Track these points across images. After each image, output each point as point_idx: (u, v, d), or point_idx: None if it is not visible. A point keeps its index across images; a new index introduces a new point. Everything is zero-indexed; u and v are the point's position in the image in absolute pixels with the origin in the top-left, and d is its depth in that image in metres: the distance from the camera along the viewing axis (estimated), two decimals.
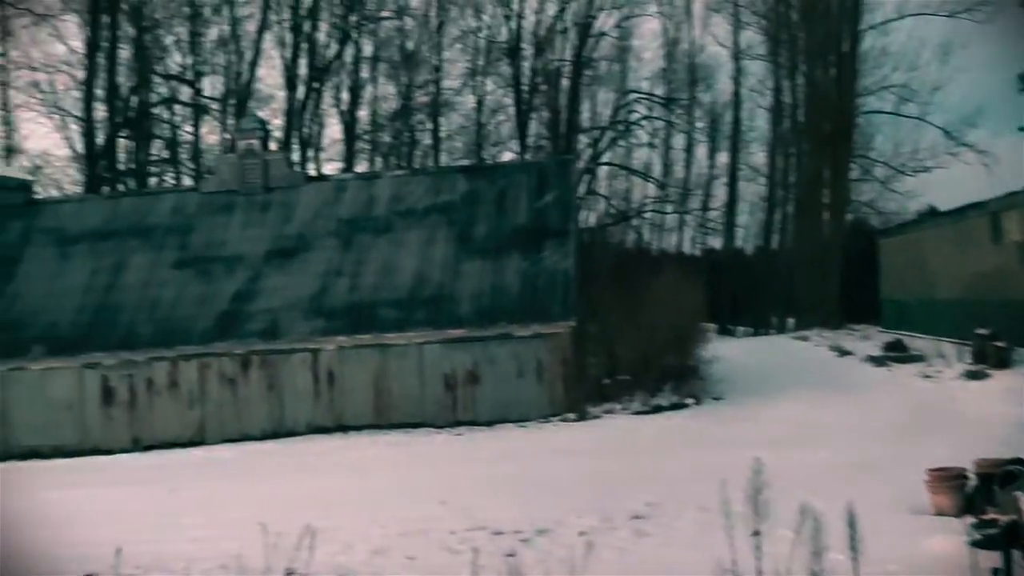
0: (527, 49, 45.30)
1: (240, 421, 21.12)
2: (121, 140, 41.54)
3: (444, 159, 44.52)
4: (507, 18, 45.34)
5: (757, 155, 49.69)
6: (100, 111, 40.29)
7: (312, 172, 36.81)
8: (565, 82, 45.48)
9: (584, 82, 45.91)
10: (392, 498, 13.27)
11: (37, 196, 29.62)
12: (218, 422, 21.15)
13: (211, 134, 43.34)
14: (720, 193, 49.40)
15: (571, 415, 20.31)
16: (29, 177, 31.57)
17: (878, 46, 42.28)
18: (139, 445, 20.99)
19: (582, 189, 41.35)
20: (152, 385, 21.39)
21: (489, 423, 20.31)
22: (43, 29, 40.66)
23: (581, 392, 20.75)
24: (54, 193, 38.60)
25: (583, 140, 46.21)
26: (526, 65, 45.34)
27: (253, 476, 16.56)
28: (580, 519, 10.83)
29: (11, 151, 41.27)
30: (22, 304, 22.79)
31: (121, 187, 39.96)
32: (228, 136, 37.24)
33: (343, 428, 20.77)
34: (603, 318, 23.77)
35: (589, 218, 43.60)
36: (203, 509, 13.78)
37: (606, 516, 10.92)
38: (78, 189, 39.58)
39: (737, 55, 48.15)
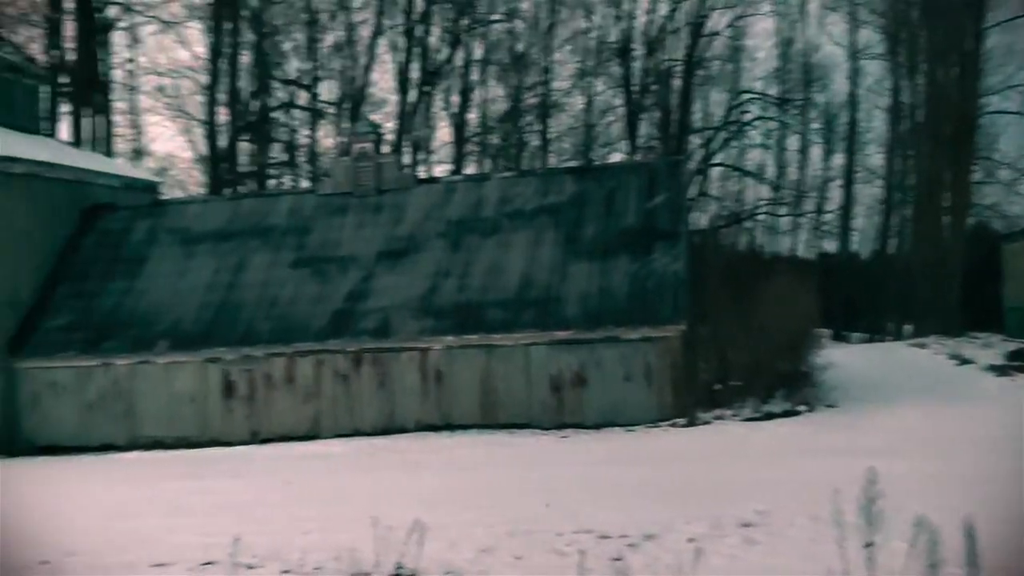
0: (638, 49, 45.10)
1: (352, 417, 21.64)
2: (242, 143, 43.01)
3: (553, 160, 44.67)
4: (618, 18, 45.23)
5: (874, 157, 48.42)
6: (222, 115, 41.83)
7: (423, 174, 37.39)
8: (676, 82, 45.11)
9: (696, 82, 45.46)
10: (498, 498, 13.39)
11: (163, 197, 30.90)
12: (332, 417, 21.71)
13: (327, 138, 44.50)
14: (835, 195, 48.33)
15: (680, 420, 20.13)
16: (156, 179, 32.97)
17: (1003, 44, 40.70)
18: (257, 438, 21.71)
19: (693, 190, 40.96)
20: (270, 380, 22.08)
21: (596, 426, 20.30)
22: (169, 36, 42.52)
23: (690, 397, 20.55)
24: (179, 194, 40.26)
25: (694, 141, 45.76)
26: (637, 65, 45.14)
27: (364, 471, 16.94)
28: (688, 525, 10.74)
29: (139, 153, 43.24)
30: (149, 300, 23.80)
31: (242, 189, 41.37)
32: (343, 139, 38.13)
33: (450, 427, 21.06)
34: (714, 322, 23.49)
35: (700, 220, 43.11)
36: (316, 502, 14.18)
37: (715, 523, 10.80)
38: (201, 190, 41.20)
39: (854, 54, 46.98)
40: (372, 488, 14.77)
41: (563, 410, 20.91)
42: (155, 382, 22.47)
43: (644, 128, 45.37)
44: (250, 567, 10.07)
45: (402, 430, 21.16)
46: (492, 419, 20.99)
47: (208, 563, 10.49)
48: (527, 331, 21.29)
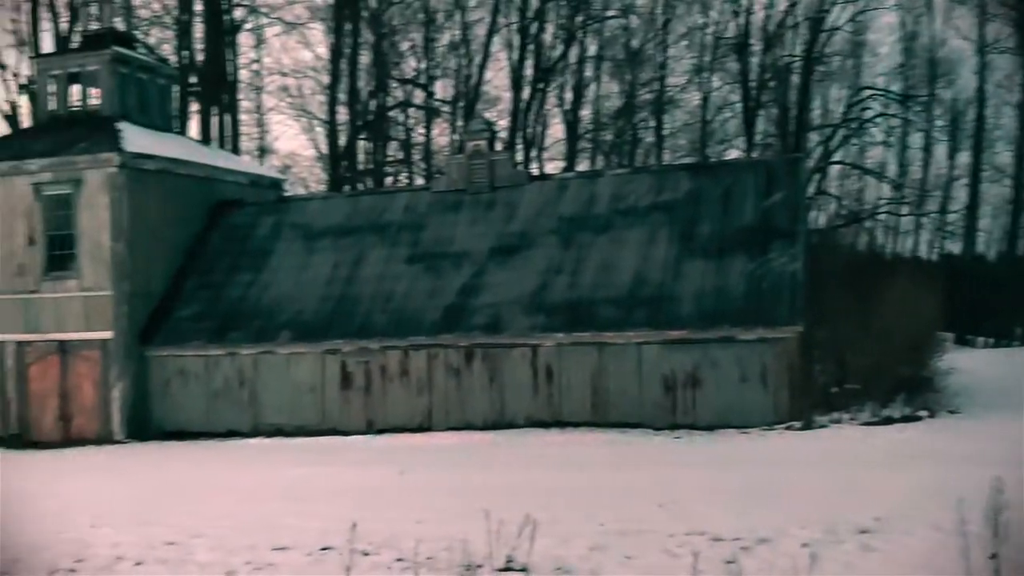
0: (755, 45, 44.33)
1: (464, 410, 21.95)
2: (360, 142, 43.99)
3: (667, 157, 44.31)
4: (735, 14, 44.54)
5: (1002, 155, 46.45)
6: (342, 114, 42.85)
7: (535, 171, 37.56)
8: (795, 78, 44.17)
9: (815, 78, 44.43)
10: (609, 496, 13.41)
11: (286, 194, 31.87)
12: (444, 410, 22.07)
13: (441, 135, 45.12)
14: (960, 195, 46.55)
15: (796, 423, 19.75)
16: (280, 176, 34.04)
17: None
18: (372, 428, 22.24)
19: (811, 189, 40.04)
20: (385, 372, 22.58)
21: (709, 427, 20.08)
22: (292, 37, 43.81)
23: (807, 400, 20.14)
24: (301, 191, 41.49)
25: (813, 138, 44.73)
26: (754, 61, 44.38)
27: (476, 464, 17.16)
28: (803, 530, 10.57)
29: (264, 151, 44.68)
30: (272, 293, 24.61)
31: (360, 186, 42.33)
32: (457, 137, 38.61)
33: (560, 424, 21.14)
34: (832, 324, 22.93)
35: (818, 219, 42.13)
36: (430, 493, 14.45)
37: (831, 528, 10.60)
38: (322, 187, 42.32)
39: (982, 48, 45.15)
40: (483, 482, 14.95)
41: (676, 410, 20.77)
42: (277, 371, 23.24)
43: (761, 125, 44.59)
44: (366, 554, 10.36)
45: (512, 426, 21.35)
46: (603, 418, 21.00)
47: (326, 548, 10.83)
48: (640, 329, 21.20)
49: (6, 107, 39.65)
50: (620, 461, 17.06)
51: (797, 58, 43.84)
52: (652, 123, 45.61)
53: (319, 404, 22.89)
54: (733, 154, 43.66)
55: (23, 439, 24.02)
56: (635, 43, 44.89)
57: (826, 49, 44.04)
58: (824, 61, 44.28)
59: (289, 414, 22.94)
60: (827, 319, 23.04)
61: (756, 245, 22.04)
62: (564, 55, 43.99)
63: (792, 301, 20.77)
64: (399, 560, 10.13)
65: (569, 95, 44.96)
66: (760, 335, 20.44)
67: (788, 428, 19.64)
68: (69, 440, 23.67)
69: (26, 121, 37.85)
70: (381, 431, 21.97)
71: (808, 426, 19.59)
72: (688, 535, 10.61)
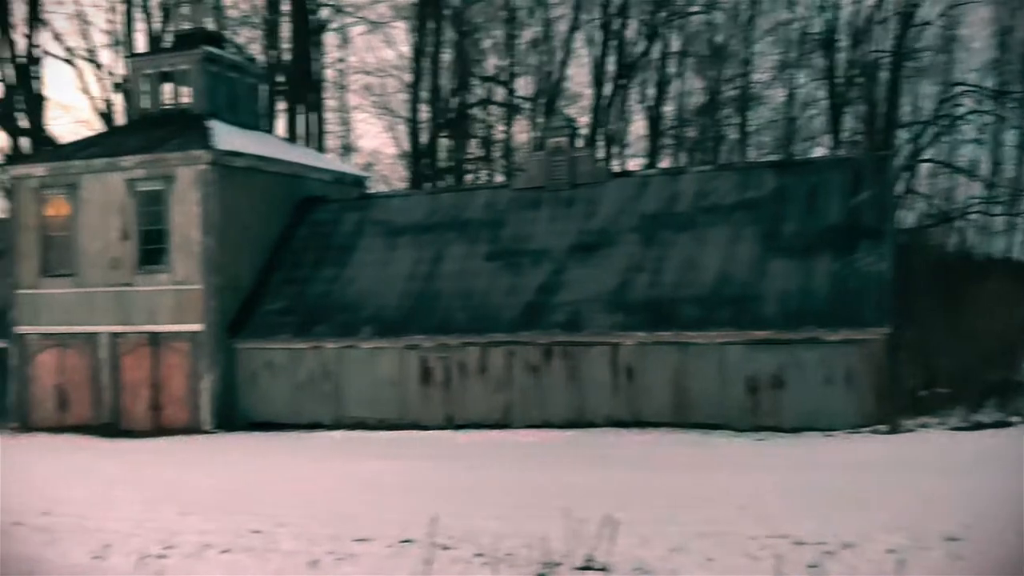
0: (843, 40, 43.38)
1: (542, 408, 21.98)
2: (442, 139, 44.32)
3: (751, 154, 43.65)
4: (822, 8, 43.62)
5: None
6: (424, 112, 43.23)
7: (616, 168, 37.38)
8: (884, 74, 43.10)
9: (905, 74, 43.25)
10: (689, 497, 13.30)
11: (369, 191, 32.30)
12: (522, 407, 22.14)
13: (522, 132, 45.18)
14: None
15: (882, 427, 19.33)
16: (363, 173, 34.51)
17: None
18: (451, 423, 22.43)
19: (900, 187, 39.01)
20: (464, 368, 22.75)
21: (793, 430, 19.77)
22: (376, 36, 44.38)
23: (894, 403, 19.69)
24: (383, 188, 41.98)
25: (902, 135, 43.57)
26: (841, 57, 43.43)
27: (555, 462, 17.19)
28: (889, 536, 10.34)
29: (348, 149, 45.35)
30: (355, 288, 25.00)
31: (441, 183, 42.67)
32: (538, 134, 38.66)
33: (640, 423, 21.03)
34: (920, 326, 22.38)
35: (907, 218, 41.05)
36: (508, 488, 14.52)
37: (917, 535, 10.35)
38: (404, 185, 42.77)
39: None
40: (563, 480, 14.97)
41: (759, 412, 20.49)
42: (359, 365, 23.60)
43: (848, 122, 43.61)
44: (445, 548, 10.45)
45: (591, 424, 21.32)
46: (684, 418, 20.82)
47: (406, 541, 10.95)
48: (723, 329, 20.97)
49: (102, 105, 40.99)
50: (701, 462, 16.90)
51: (886, 54, 42.73)
52: (736, 120, 44.99)
53: (400, 398, 23.18)
54: (819, 152, 42.78)
55: (116, 427, 24.83)
56: (719, 39, 44.33)
57: (917, 44, 42.88)
58: (914, 56, 43.09)
59: (371, 407, 23.27)
60: (915, 321, 22.49)
61: (842, 245, 21.62)
62: (647, 51, 43.66)
63: (879, 302, 20.31)
64: (478, 555, 10.19)
65: (651, 91, 44.62)
66: (846, 336, 20.04)
67: (874, 432, 19.23)
68: (159, 429, 24.39)
69: (120, 119, 39.06)
70: (460, 426, 22.15)
71: (895, 430, 19.15)
72: (770, 538, 10.47)
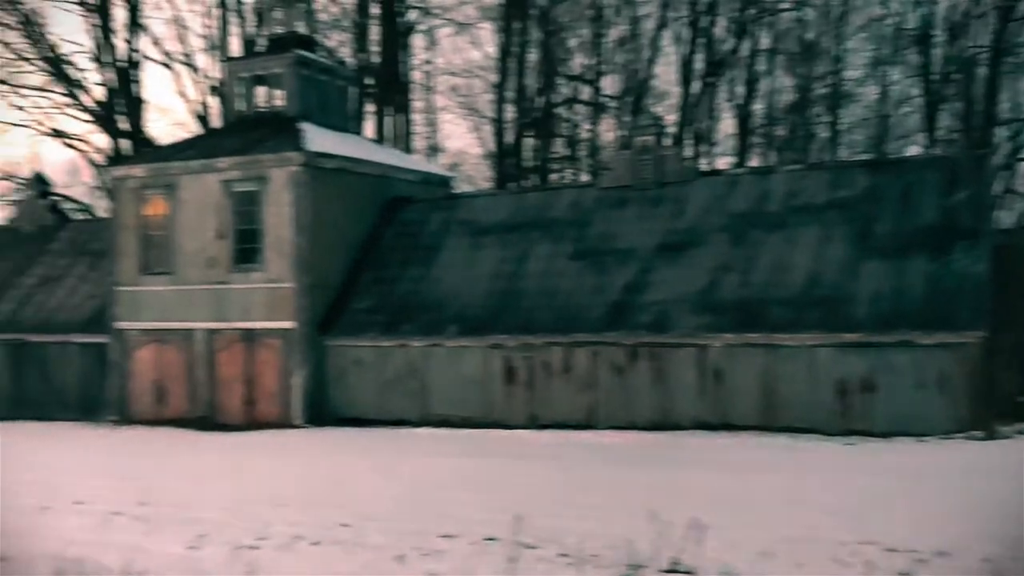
0: (938, 35, 42.15)
1: (627, 409, 21.90)
2: (527, 139, 44.44)
3: (843, 153, 42.75)
4: (917, 4, 42.44)
5: None
6: (509, 112, 43.41)
7: (704, 167, 36.99)
8: (981, 70, 41.75)
9: (1004, 70, 41.82)
10: (777, 502, 13.13)
11: (455, 191, 32.61)
12: (607, 408, 22.09)
13: (608, 131, 45.02)
14: None
15: (977, 433, 18.77)
16: (449, 174, 34.85)
17: None
18: (535, 423, 22.49)
19: (998, 186, 37.77)
20: (548, 368, 22.79)
21: (884, 435, 19.32)
22: (463, 37, 44.73)
23: (990, 409, 19.10)
24: (469, 188, 42.29)
25: (1001, 133, 42.14)
26: (937, 53, 42.21)
27: (640, 464, 17.12)
28: (984, 546, 10.05)
29: (434, 150, 45.81)
30: (440, 287, 25.25)
31: (526, 183, 42.79)
32: (624, 133, 38.48)
33: (728, 426, 20.79)
34: (1018, 329, 21.63)
35: (1005, 219, 39.68)
36: (594, 490, 14.51)
37: (1016, 544, 10.04)
38: (489, 185, 43.03)
39: None
40: (649, 482, 14.91)
41: (849, 416, 20.08)
42: (445, 364, 23.84)
43: (944, 119, 42.34)
44: (529, 547, 10.51)
45: (677, 427, 21.16)
46: (772, 422, 20.52)
47: (490, 539, 11.04)
48: (813, 331, 20.60)
49: (198, 108, 42.21)
50: (790, 466, 16.64)
51: (984, 49, 41.39)
52: (827, 118, 44.11)
53: (484, 397, 23.33)
54: (913, 150, 41.65)
55: (211, 421, 25.55)
56: (810, 35, 43.51)
57: (1017, 39, 41.42)
58: (1014, 52, 41.65)
59: (456, 405, 23.49)
60: (1013, 324, 21.73)
61: (937, 245, 21.04)
62: (736, 48, 43.09)
63: (976, 305, 19.72)
64: (563, 555, 10.22)
65: (740, 89, 44.02)
66: (940, 340, 19.51)
67: (969, 438, 18.68)
68: (252, 423, 25.02)
69: (216, 121, 40.16)
70: (544, 426, 22.19)
71: (991, 436, 18.58)
72: (860, 544, 10.28)
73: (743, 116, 43.55)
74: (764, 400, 20.80)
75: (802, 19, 43.58)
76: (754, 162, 42.34)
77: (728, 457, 17.71)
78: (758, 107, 44.39)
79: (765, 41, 43.88)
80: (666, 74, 45.09)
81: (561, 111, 45.26)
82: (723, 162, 42.52)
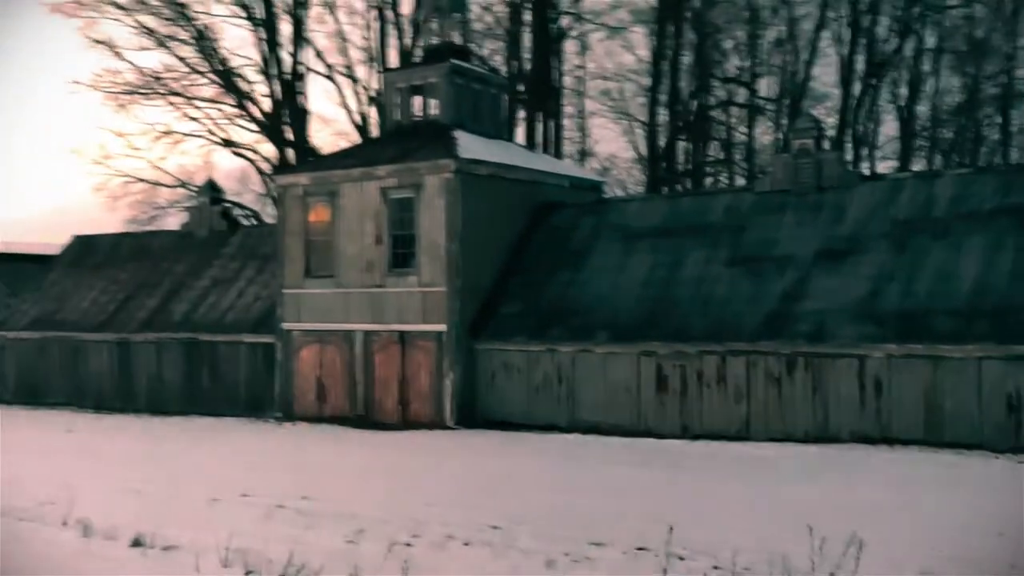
0: None
1: (784, 421, 21.34)
2: (680, 142, 43.99)
3: (1015, 156, 40.55)
4: None
5: None
6: (662, 115, 43.07)
7: (866, 171, 35.73)
8: None
9: None
10: (941, 520, 12.56)
11: (605, 196, 32.55)
12: (762, 420, 21.58)
13: (765, 135, 44.10)
14: None
15: None
16: (600, 178, 34.82)
17: None
18: (687, 433, 22.17)
19: None
20: (701, 377, 22.44)
21: None
22: (615, 41, 44.67)
23: None
24: (619, 193, 42.19)
25: None
26: None
27: (798, 478, 16.66)
28: None
29: (585, 154, 45.89)
30: (590, 293, 25.24)
31: (679, 187, 42.35)
32: (782, 136, 37.59)
33: (888, 440, 19.99)
34: None
35: None
36: (747, 501, 14.24)
37: None
38: (640, 189, 42.79)
39: None
40: (805, 496, 14.51)
41: (1021, 432, 18.98)
42: (594, 370, 23.80)
43: None
44: (681, 558, 10.42)
45: (835, 440, 20.48)
46: (936, 436, 19.61)
47: (642, 548, 11.00)
48: (980, 343, 19.58)
49: (358, 118, 43.65)
50: (955, 483, 15.88)
51: None
52: (998, 119, 41.91)
53: (634, 405, 23.18)
54: None
55: (368, 419, 26.35)
56: (979, 33, 41.42)
57: None
58: None
59: (605, 412, 23.42)
60: None
61: None
62: (899, 48, 41.48)
63: None
64: (716, 568, 10.09)
65: (904, 90, 42.36)
66: None
67: None
68: (406, 423, 25.66)
69: (375, 130, 41.45)
70: (696, 437, 21.85)
71: None
72: None
73: (906, 118, 41.90)
74: (927, 414, 19.90)
75: (971, 16, 41.56)
76: (918, 166, 40.64)
77: (889, 472, 17.04)
78: (922, 109, 42.66)
79: (930, 40, 42.09)
80: (825, 75, 43.85)
81: (715, 114, 44.61)
82: (885, 166, 41.08)
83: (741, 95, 44.04)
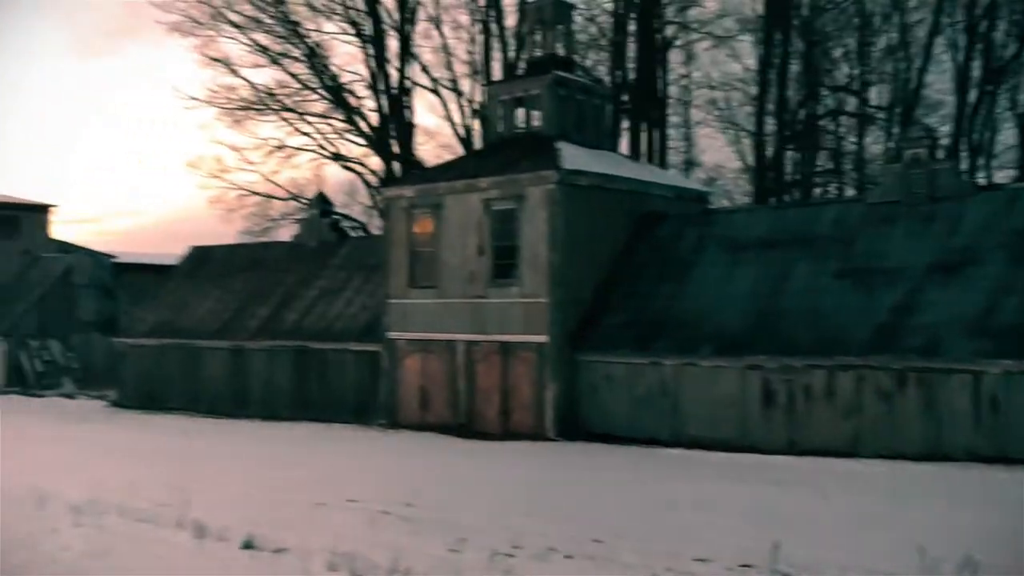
0: None
1: (894, 438, 20.70)
2: (788, 152, 43.17)
3: None
4: None
5: None
6: (769, 125, 42.34)
7: (982, 181, 34.46)
8: None
9: None
10: None
11: (711, 206, 32.17)
12: (872, 436, 20.97)
13: (875, 144, 42.91)
14: None
15: None
16: (705, 188, 34.46)
17: None
18: (794, 448, 21.66)
19: None
20: (809, 391, 21.94)
21: None
22: (721, 50, 44.15)
23: None
24: (725, 203, 41.63)
25: None
26: None
27: (908, 496, 16.16)
28: None
29: (690, 164, 45.45)
30: (694, 305, 24.95)
31: (786, 198, 41.56)
32: (893, 145, 36.54)
33: (1005, 459, 19.20)
34: None
35: None
36: (856, 521, 13.88)
37: None
38: (747, 200, 42.15)
39: None
40: (917, 516, 14.06)
41: None
42: (698, 384, 23.50)
43: None
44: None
45: (948, 458, 19.78)
46: None
47: (745, 565, 10.83)
48: None
49: (462, 131, 44.17)
50: None
51: None
52: None
53: (740, 420, 22.79)
54: None
55: (469, 429, 26.58)
56: None
57: None
58: None
59: (709, 427, 23.08)
60: None
61: None
62: (1018, 54, 39.87)
63: None
64: None
65: (1023, 98, 40.68)
66: None
67: None
68: (507, 433, 25.79)
69: (478, 143, 41.87)
70: (803, 452, 21.33)
71: None
72: None
73: None
74: None
75: None
76: None
77: (1007, 493, 16.38)
78: None
79: None
80: (939, 83, 42.36)
81: (825, 123, 43.63)
82: (1003, 176, 39.45)
83: (851, 104, 42.97)
